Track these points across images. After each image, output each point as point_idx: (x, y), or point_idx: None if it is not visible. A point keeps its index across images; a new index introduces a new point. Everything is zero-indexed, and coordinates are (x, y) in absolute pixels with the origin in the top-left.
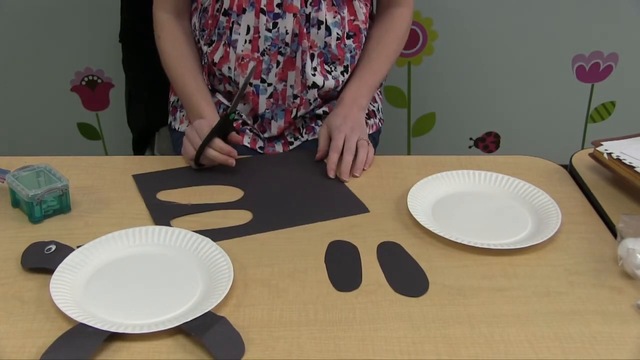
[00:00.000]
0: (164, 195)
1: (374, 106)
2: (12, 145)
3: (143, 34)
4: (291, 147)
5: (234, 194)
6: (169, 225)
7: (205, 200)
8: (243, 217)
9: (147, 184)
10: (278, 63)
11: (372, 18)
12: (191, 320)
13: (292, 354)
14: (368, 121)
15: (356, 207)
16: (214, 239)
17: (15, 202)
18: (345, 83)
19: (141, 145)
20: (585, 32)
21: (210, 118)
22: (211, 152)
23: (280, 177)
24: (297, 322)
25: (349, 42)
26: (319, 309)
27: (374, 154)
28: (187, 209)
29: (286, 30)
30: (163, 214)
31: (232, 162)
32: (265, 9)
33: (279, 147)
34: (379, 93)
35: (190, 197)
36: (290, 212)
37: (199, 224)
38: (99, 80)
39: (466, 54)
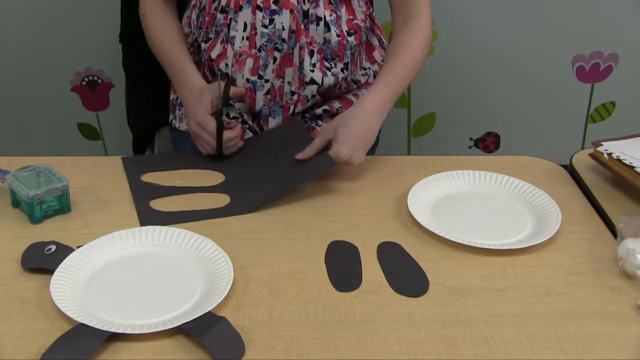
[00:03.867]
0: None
1: None
2: (12, 145)
3: (143, 34)
4: None
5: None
6: (148, 206)
7: (187, 184)
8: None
9: (134, 166)
10: (275, 59)
11: (372, 20)
12: (191, 321)
13: (292, 354)
14: None
15: (322, 161)
16: (190, 220)
17: (15, 203)
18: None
19: (141, 145)
20: (585, 32)
21: (198, 85)
22: (228, 144)
23: (258, 157)
24: (297, 322)
25: (350, 39)
26: (319, 309)
27: (374, 154)
28: (166, 190)
29: (282, 27)
30: (143, 195)
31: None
32: (261, 5)
33: None
34: None
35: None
36: (265, 189)
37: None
38: (99, 81)
39: (466, 54)
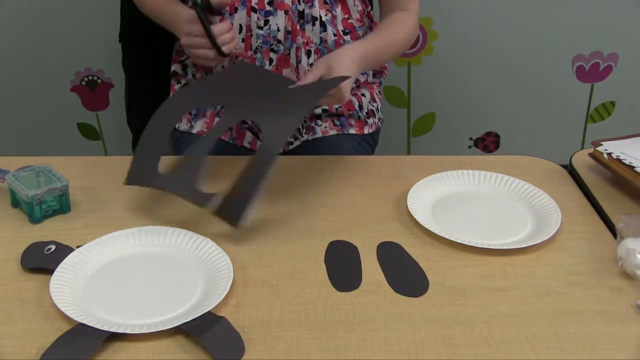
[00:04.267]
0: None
1: (373, 106)
2: (12, 145)
3: (143, 34)
4: (291, 147)
5: None
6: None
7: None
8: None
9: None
10: (271, 61)
11: (371, 18)
12: (191, 321)
13: (292, 354)
14: (368, 120)
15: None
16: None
17: (15, 202)
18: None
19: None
20: (585, 32)
21: (184, 14)
22: (222, 38)
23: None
24: (297, 322)
25: (346, 38)
26: (319, 309)
27: (374, 154)
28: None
29: (277, 27)
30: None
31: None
32: (256, 6)
33: None
34: (378, 93)
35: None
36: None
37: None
38: (99, 80)
39: (466, 54)
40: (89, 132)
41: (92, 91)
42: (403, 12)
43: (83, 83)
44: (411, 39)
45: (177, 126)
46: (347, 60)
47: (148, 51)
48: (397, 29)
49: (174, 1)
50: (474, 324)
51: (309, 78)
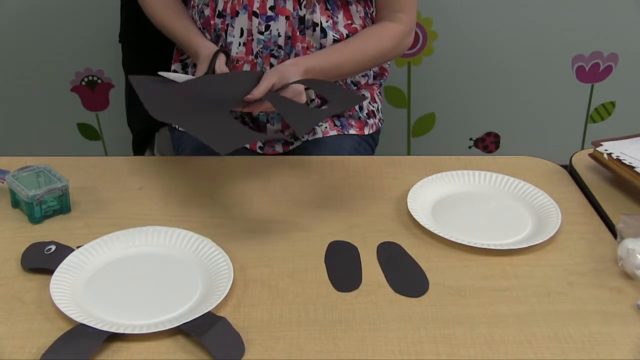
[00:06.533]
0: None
1: (373, 106)
2: (12, 145)
3: (143, 34)
4: (291, 147)
5: None
6: None
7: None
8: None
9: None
10: (271, 66)
11: (374, 20)
12: (191, 321)
13: (292, 354)
14: (368, 121)
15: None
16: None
17: (15, 203)
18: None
19: (141, 145)
20: (585, 32)
21: (204, 51)
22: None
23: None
24: (297, 322)
25: None
26: (319, 309)
27: (374, 154)
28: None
29: (278, 33)
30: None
31: None
32: (257, 11)
33: (278, 148)
34: (379, 94)
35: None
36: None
37: None
38: (99, 81)
39: (466, 54)
40: (89, 132)
41: (92, 91)
42: (390, 23)
43: (83, 83)
44: (390, 52)
45: (177, 126)
46: (294, 70)
47: (148, 51)
48: (369, 43)
49: (194, 31)
50: (474, 324)
51: (262, 86)
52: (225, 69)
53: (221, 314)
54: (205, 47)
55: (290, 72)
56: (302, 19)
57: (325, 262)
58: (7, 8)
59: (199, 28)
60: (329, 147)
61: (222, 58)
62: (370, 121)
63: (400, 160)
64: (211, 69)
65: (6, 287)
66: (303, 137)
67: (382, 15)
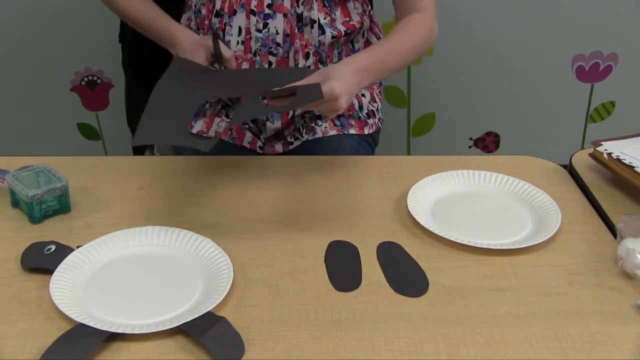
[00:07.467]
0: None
1: (373, 106)
2: (12, 145)
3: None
4: (291, 147)
5: None
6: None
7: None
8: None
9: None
10: (270, 64)
11: (371, 18)
12: (191, 321)
13: (292, 354)
14: (368, 120)
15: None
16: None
17: (15, 203)
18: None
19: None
20: (585, 32)
21: (187, 43)
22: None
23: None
24: (297, 322)
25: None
26: (319, 309)
27: (373, 154)
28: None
29: (276, 31)
30: None
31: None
32: (255, 9)
33: (278, 147)
34: (378, 94)
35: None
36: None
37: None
38: (99, 81)
39: (466, 54)
40: (89, 132)
41: (92, 91)
42: (416, 14)
43: (83, 83)
44: (424, 42)
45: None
46: (345, 70)
47: (148, 51)
48: (405, 36)
49: (166, 17)
50: (474, 324)
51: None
52: (229, 53)
53: (221, 313)
54: (185, 35)
55: (337, 71)
56: (299, 16)
57: (325, 262)
58: (7, 8)
59: (193, 29)
60: (328, 146)
61: (220, 43)
62: (370, 121)
63: (400, 160)
64: (217, 54)
65: (6, 287)
66: (303, 137)
67: (405, 10)
